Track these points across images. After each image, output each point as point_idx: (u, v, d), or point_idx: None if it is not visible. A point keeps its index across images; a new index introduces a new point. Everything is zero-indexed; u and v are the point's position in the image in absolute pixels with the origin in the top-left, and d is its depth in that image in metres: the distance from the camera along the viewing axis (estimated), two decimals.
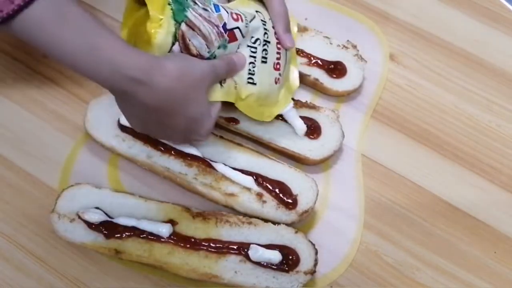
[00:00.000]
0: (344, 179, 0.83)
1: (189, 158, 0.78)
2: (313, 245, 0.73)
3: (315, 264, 0.72)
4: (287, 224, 0.75)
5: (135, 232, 0.73)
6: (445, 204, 0.82)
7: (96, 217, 0.73)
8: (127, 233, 0.73)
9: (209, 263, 0.72)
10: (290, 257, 0.72)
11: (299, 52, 0.88)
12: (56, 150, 0.82)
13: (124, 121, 0.80)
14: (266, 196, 0.76)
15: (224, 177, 0.77)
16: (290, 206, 0.76)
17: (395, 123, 0.88)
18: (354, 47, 0.90)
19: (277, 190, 0.76)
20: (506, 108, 0.90)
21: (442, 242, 0.79)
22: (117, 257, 0.73)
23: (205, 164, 0.78)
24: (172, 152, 0.78)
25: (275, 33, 0.78)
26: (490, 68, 0.93)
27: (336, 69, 0.88)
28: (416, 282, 0.76)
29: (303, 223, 0.78)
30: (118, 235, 0.73)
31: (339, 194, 0.82)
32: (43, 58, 0.90)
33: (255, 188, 0.77)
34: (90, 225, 0.73)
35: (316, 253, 0.73)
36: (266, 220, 0.75)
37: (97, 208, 0.75)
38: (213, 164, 0.78)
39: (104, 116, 0.81)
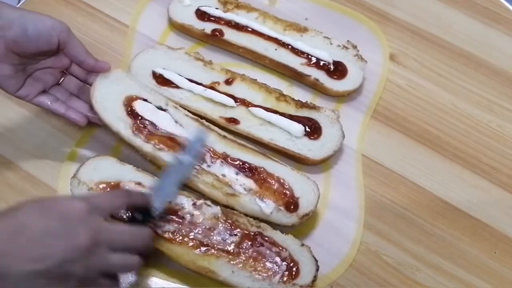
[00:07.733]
0: (344, 179, 0.83)
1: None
2: (316, 261, 0.73)
3: (314, 281, 0.72)
4: (289, 227, 0.75)
5: None
6: (445, 204, 0.82)
7: None
8: None
9: (209, 258, 0.72)
10: (291, 269, 0.72)
11: (299, 52, 0.88)
12: (56, 150, 0.82)
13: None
14: (267, 197, 0.76)
15: (225, 178, 0.77)
16: (292, 209, 0.76)
17: (395, 123, 0.88)
18: (354, 47, 0.90)
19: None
20: (506, 108, 0.90)
21: (442, 242, 0.79)
22: None
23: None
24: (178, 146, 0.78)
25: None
26: (490, 68, 0.93)
27: (336, 69, 0.88)
28: (416, 282, 0.76)
29: (303, 223, 0.78)
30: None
31: (339, 194, 0.82)
32: None
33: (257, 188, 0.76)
34: None
35: (317, 270, 0.72)
36: (274, 227, 0.75)
37: None
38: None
39: (111, 94, 0.78)
